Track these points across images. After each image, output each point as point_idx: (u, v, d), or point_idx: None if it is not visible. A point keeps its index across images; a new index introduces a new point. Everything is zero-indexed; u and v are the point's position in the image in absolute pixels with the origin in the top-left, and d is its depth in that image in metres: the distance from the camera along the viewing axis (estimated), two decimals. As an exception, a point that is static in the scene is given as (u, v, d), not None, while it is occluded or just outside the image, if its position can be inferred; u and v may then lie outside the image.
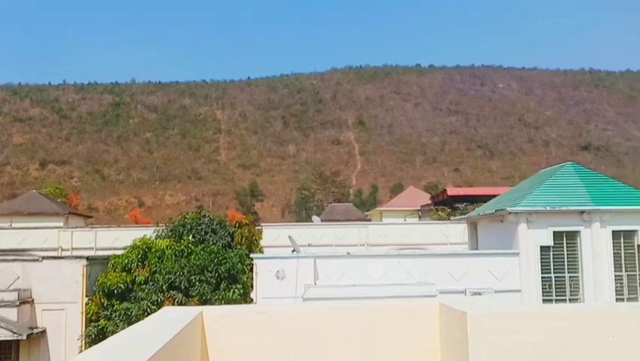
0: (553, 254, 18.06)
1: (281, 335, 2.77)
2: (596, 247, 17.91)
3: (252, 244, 23.23)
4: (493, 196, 26.89)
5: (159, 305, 17.34)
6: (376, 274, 17.64)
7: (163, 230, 22.32)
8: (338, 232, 36.08)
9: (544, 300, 17.66)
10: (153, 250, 19.72)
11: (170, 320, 2.76)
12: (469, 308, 2.53)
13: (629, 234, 18.17)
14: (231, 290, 18.77)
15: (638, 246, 18.12)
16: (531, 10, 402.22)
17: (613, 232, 18.08)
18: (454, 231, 34.12)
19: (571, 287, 17.97)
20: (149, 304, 17.81)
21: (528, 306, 4.64)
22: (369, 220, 51.01)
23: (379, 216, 54.56)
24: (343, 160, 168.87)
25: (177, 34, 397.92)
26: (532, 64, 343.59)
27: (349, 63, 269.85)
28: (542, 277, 17.95)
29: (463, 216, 25.66)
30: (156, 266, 19.11)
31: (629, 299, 17.78)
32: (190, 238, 21.19)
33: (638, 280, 18.07)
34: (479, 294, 17.46)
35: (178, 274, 18.58)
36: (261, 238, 25.07)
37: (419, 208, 51.87)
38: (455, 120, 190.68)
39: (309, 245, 30.58)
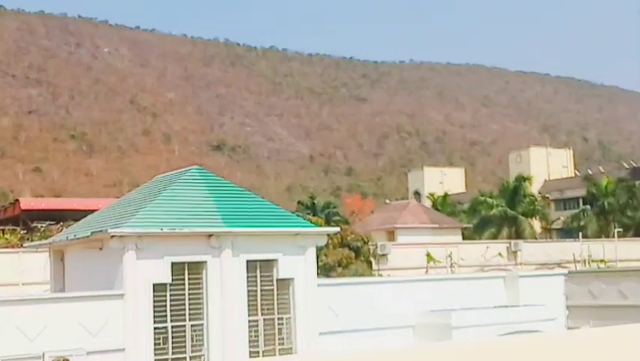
0: (171, 295, 19.00)
1: None
2: (226, 282, 19.51)
3: None
4: (92, 211, 27.06)
5: None
6: None
7: None
8: None
9: (156, 361, 18.46)
10: None
11: None
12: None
13: (268, 264, 20.33)
14: None
15: (277, 280, 20.36)
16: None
17: (248, 261, 19.96)
18: (30, 264, 33.16)
19: (193, 340, 19.19)
20: None
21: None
22: None
23: None
24: None
25: None
26: (149, 25, 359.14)
27: None
28: (155, 328, 18.71)
29: (44, 242, 25.16)
30: None
31: (265, 353, 19.88)
32: None
33: (276, 326, 20.32)
34: (66, 360, 17.33)
35: None
36: None
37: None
38: (37, 95, 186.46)
39: None
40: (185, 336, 19.18)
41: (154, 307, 18.79)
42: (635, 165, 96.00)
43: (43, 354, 17.17)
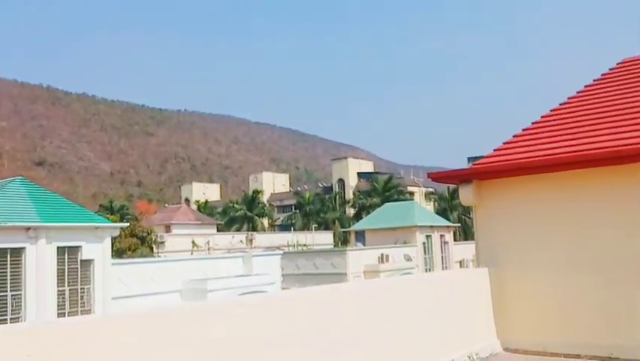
0: (-5, 273, 16.94)
1: None
2: (41, 263, 17.77)
3: None
4: None
5: None
6: None
7: None
8: None
9: (-19, 323, 16.30)
10: None
11: None
12: None
13: (74, 249, 18.84)
14: None
15: (81, 261, 18.96)
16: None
17: (58, 247, 18.36)
18: None
19: (13, 305, 17.23)
20: None
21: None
22: None
23: None
24: None
25: None
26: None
27: None
28: (-19, 298, 16.57)
29: None
30: None
31: (70, 313, 18.33)
32: None
33: (79, 294, 18.86)
34: None
35: None
36: None
37: None
38: None
39: None
40: (6, 303, 17.16)
41: (-20, 282, 16.63)
42: (325, 185, 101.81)
43: None
